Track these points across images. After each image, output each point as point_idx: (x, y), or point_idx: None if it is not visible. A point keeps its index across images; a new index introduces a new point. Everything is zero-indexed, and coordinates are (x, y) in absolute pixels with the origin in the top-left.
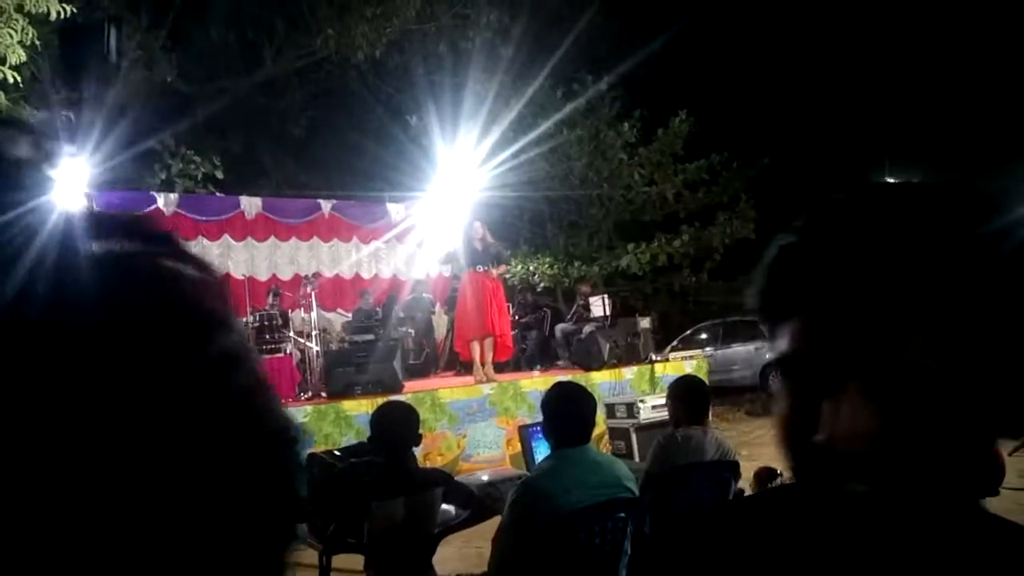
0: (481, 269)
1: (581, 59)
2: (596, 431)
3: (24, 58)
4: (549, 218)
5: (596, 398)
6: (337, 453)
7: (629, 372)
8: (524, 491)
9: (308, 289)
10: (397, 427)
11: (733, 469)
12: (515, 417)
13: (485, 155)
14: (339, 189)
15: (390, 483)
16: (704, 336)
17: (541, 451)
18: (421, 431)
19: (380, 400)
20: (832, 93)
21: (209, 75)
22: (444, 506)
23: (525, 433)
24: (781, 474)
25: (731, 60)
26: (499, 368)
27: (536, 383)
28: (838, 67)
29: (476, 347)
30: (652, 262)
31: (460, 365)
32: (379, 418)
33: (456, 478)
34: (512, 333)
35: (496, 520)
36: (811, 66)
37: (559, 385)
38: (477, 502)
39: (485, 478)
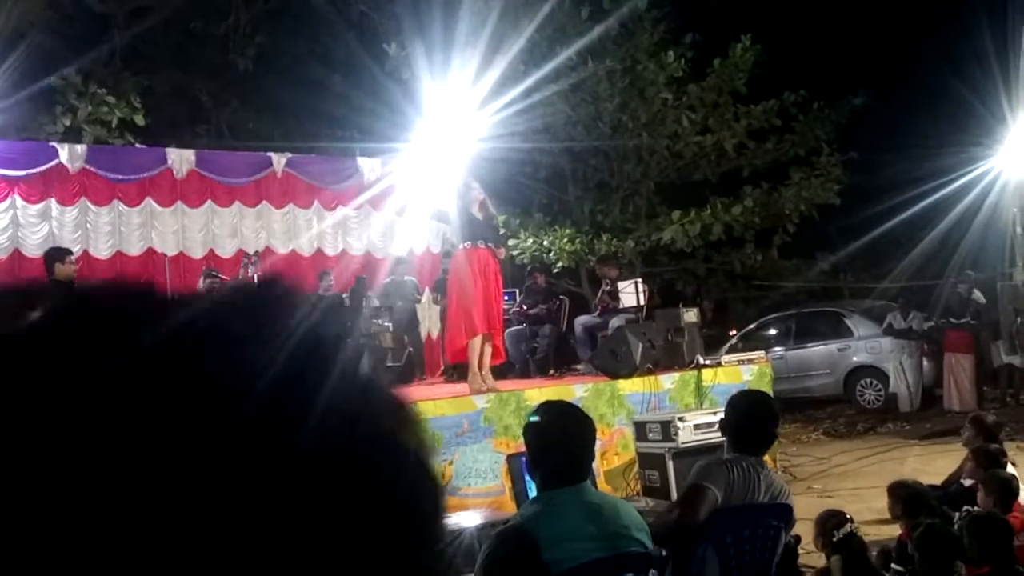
0: (483, 245)
1: None
2: (624, 458)
3: None
4: (571, 177)
5: (625, 412)
6: None
7: (668, 380)
8: (499, 545)
9: (249, 271)
10: None
11: (784, 515)
12: (518, 438)
13: (486, 94)
14: (296, 139)
15: None
16: (772, 332)
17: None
18: None
19: None
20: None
21: None
22: None
23: (516, 464)
24: (851, 519)
25: None
26: (498, 373)
27: (547, 393)
28: None
29: (475, 347)
30: (704, 235)
31: (454, 370)
32: None
33: None
34: (519, 328)
35: None
36: None
37: (543, 408)
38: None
39: (460, 523)
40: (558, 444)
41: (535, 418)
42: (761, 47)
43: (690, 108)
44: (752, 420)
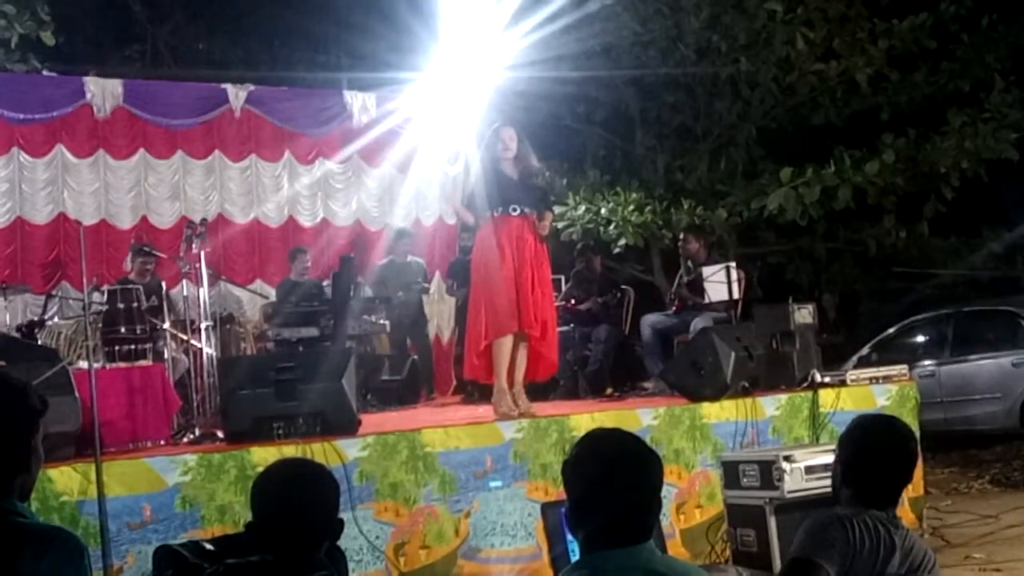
0: (516, 212)
1: None
2: (709, 511)
3: None
4: (640, 120)
5: (711, 449)
6: (209, 547)
7: (772, 404)
8: None
9: (193, 245)
10: (293, 506)
11: None
12: (559, 482)
13: (520, 6)
14: (262, 66)
15: None
16: (919, 339)
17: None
18: (386, 502)
19: (318, 447)
20: None
21: None
22: None
23: (554, 516)
24: None
25: None
26: (535, 393)
27: (601, 420)
28: None
29: (503, 353)
30: (826, 202)
31: (474, 386)
32: (263, 490)
33: None
34: (564, 330)
35: None
36: None
37: (590, 440)
38: None
39: None
40: (609, 490)
41: (580, 453)
42: None
43: (807, 24)
44: (879, 458)
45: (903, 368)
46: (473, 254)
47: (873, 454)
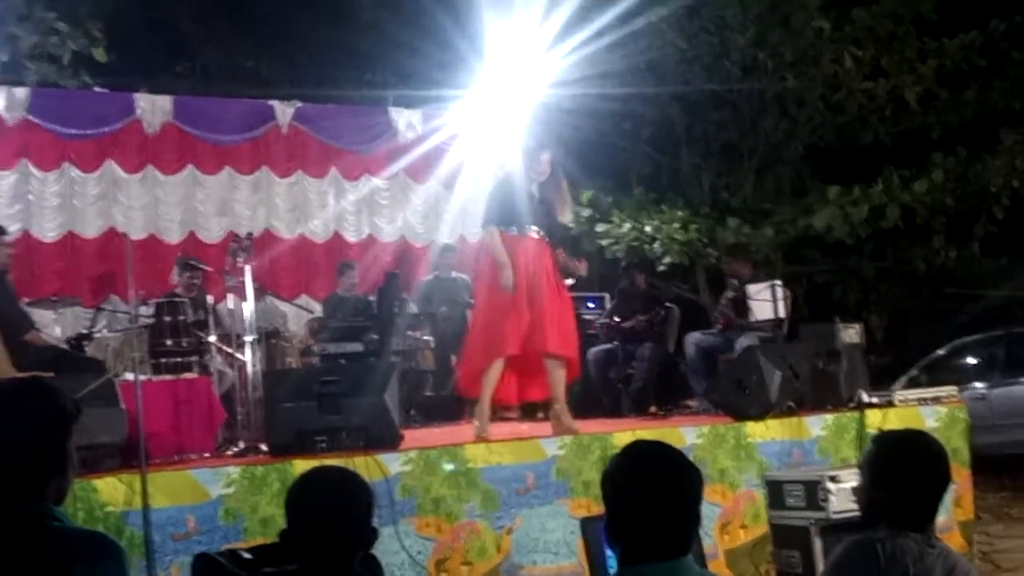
0: (535, 233)
1: None
2: (753, 532)
3: None
4: (685, 137)
5: (756, 468)
6: (247, 556)
7: (817, 424)
8: None
9: (237, 259)
10: (325, 513)
11: None
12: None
13: (568, 21)
14: (308, 83)
15: None
16: (970, 360)
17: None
18: (428, 517)
19: (361, 460)
20: None
21: None
22: None
23: (594, 530)
24: None
25: None
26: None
27: (644, 437)
28: None
29: (560, 375)
30: (874, 221)
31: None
32: (296, 498)
33: None
34: (607, 348)
35: None
36: None
37: (629, 451)
38: None
39: None
40: (647, 502)
41: (619, 464)
42: None
43: (855, 42)
44: (909, 473)
45: (954, 390)
46: (477, 270)
47: (900, 471)
